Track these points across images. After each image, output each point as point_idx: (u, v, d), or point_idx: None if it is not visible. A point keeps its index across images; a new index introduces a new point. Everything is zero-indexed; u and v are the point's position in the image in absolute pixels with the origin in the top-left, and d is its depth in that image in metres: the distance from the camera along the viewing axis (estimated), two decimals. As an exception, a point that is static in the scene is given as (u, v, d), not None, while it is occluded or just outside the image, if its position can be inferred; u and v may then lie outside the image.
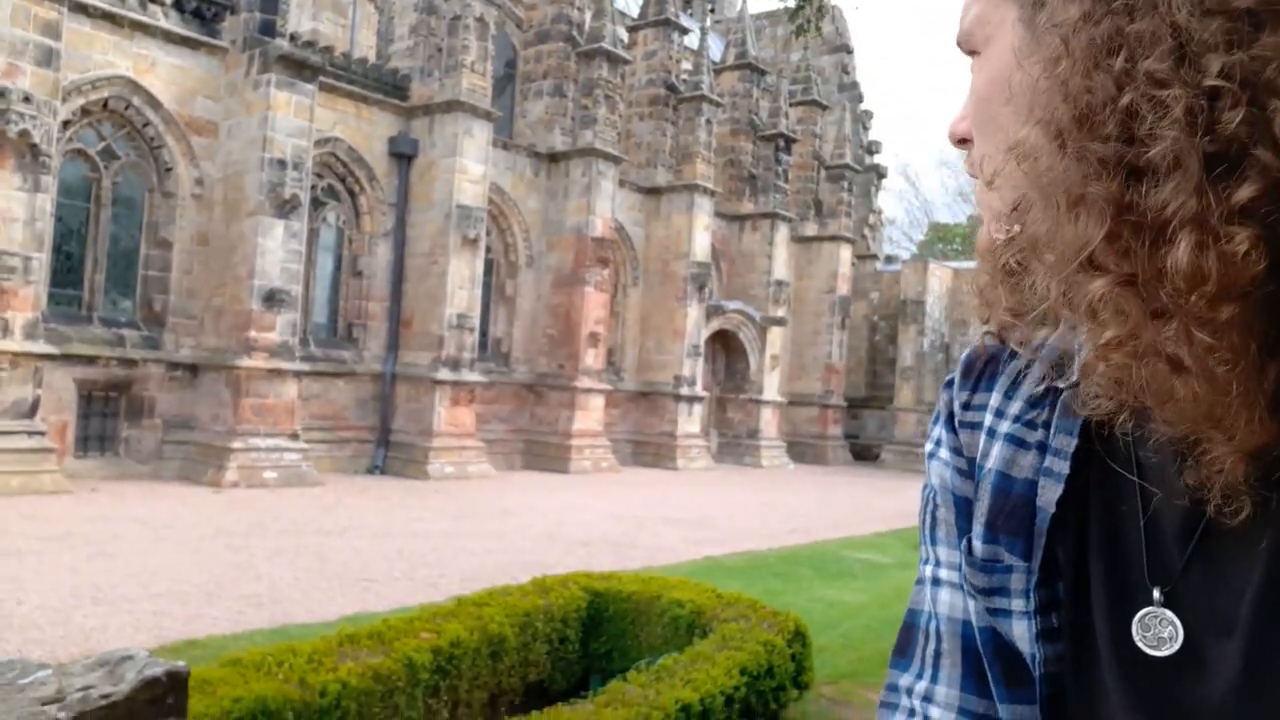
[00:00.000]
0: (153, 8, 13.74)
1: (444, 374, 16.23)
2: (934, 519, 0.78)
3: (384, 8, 19.41)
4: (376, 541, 9.74)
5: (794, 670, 4.93)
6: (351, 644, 4.30)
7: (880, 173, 32.15)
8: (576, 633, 5.35)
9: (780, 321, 24.61)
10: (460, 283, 16.58)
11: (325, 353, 16.20)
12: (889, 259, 32.64)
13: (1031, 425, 0.71)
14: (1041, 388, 0.72)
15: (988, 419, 0.74)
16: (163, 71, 13.73)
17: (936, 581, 0.77)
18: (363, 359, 16.71)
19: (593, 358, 19.28)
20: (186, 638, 5.82)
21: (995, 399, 0.75)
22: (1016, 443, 0.71)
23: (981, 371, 0.78)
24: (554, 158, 19.64)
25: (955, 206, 48.03)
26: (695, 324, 21.76)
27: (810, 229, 27.25)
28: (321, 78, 14.70)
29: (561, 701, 5.22)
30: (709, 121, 22.57)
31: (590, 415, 19.15)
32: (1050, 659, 0.67)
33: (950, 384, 0.80)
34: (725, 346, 24.09)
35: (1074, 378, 0.68)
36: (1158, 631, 0.60)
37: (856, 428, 28.76)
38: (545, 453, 18.84)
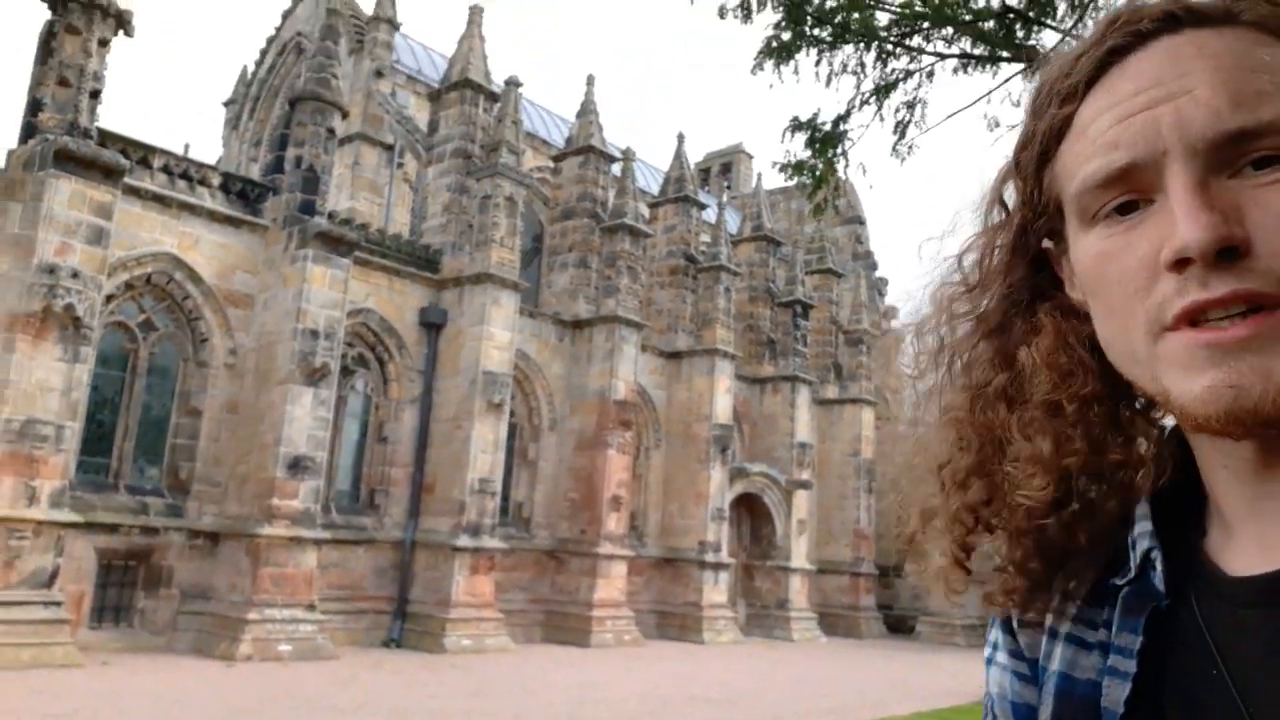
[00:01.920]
0: (201, 190, 14.54)
1: (464, 540, 15.96)
2: None
3: (418, 188, 20.46)
4: (392, 720, 9.26)
5: None
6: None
7: (899, 338, 32.53)
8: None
9: (805, 484, 24.28)
10: (484, 447, 16.58)
11: (346, 520, 16.03)
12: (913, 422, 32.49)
13: (1092, 624, 0.72)
14: (1095, 585, 0.72)
15: (1048, 619, 0.74)
16: (205, 248, 14.36)
17: None
18: (383, 526, 16.50)
19: (615, 522, 18.97)
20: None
21: (1054, 599, 0.75)
22: (1077, 643, 0.72)
23: None
24: (578, 324, 20.08)
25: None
26: (719, 487, 21.49)
27: (831, 392, 27.36)
28: (356, 252, 15.32)
29: None
30: (728, 289, 23.16)
31: (613, 584, 18.63)
32: None
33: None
34: (750, 511, 23.68)
35: (1131, 574, 0.69)
36: None
37: (889, 597, 27.74)
38: (565, 624, 18.21)
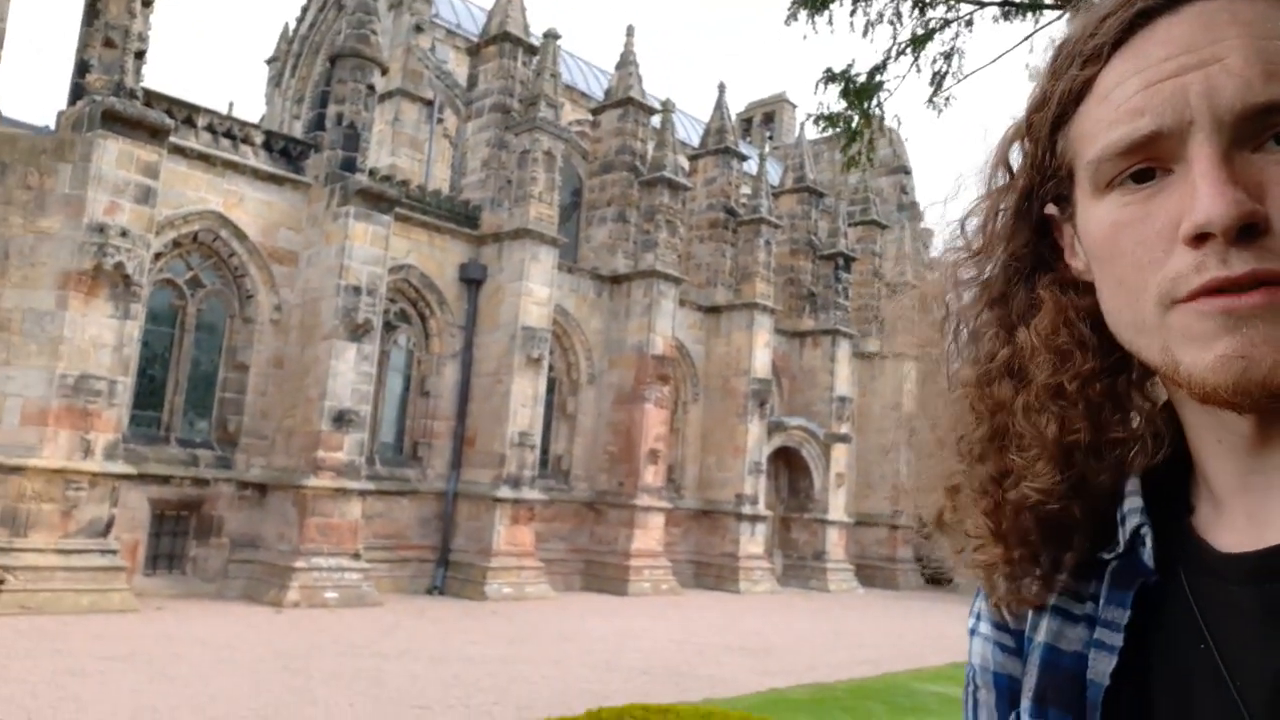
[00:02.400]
0: (244, 148, 14.74)
1: (504, 491, 16.28)
2: (975, 702, 0.77)
3: (458, 144, 20.49)
4: (433, 666, 9.59)
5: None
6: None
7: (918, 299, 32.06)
8: (634, 771, 5.12)
9: (845, 438, 24.25)
10: (523, 401, 16.81)
11: (390, 471, 16.42)
12: (954, 375, 32.16)
13: (1079, 597, 0.71)
14: (1083, 557, 0.72)
15: (1035, 591, 0.73)
16: (250, 206, 14.60)
17: None
18: (426, 477, 16.88)
19: (652, 474, 19.17)
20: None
21: (1043, 572, 0.74)
22: (1064, 615, 0.72)
23: None
24: (616, 279, 20.10)
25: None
26: (757, 441, 21.56)
27: (873, 345, 27.13)
28: (397, 209, 15.46)
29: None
30: (768, 242, 22.96)
31: (650, 534, 18.90)
32: None
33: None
34: (788, 464, 23.75)
35: (1120, 549, 0.70)
36: None
37: (927, 549, 27.75)
38: (604, 573, 18.55)
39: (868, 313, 27.41)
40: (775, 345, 23.06)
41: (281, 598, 13.05)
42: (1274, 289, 0.57)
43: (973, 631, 0.80)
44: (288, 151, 15.34)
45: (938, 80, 7.67)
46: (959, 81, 7.57)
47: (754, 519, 21.25)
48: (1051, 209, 0.73)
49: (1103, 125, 0.64)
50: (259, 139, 15.02)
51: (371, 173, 15.61)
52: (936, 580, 26.65)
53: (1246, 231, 0.56)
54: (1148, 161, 0.61)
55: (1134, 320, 0.63)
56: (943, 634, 15.42)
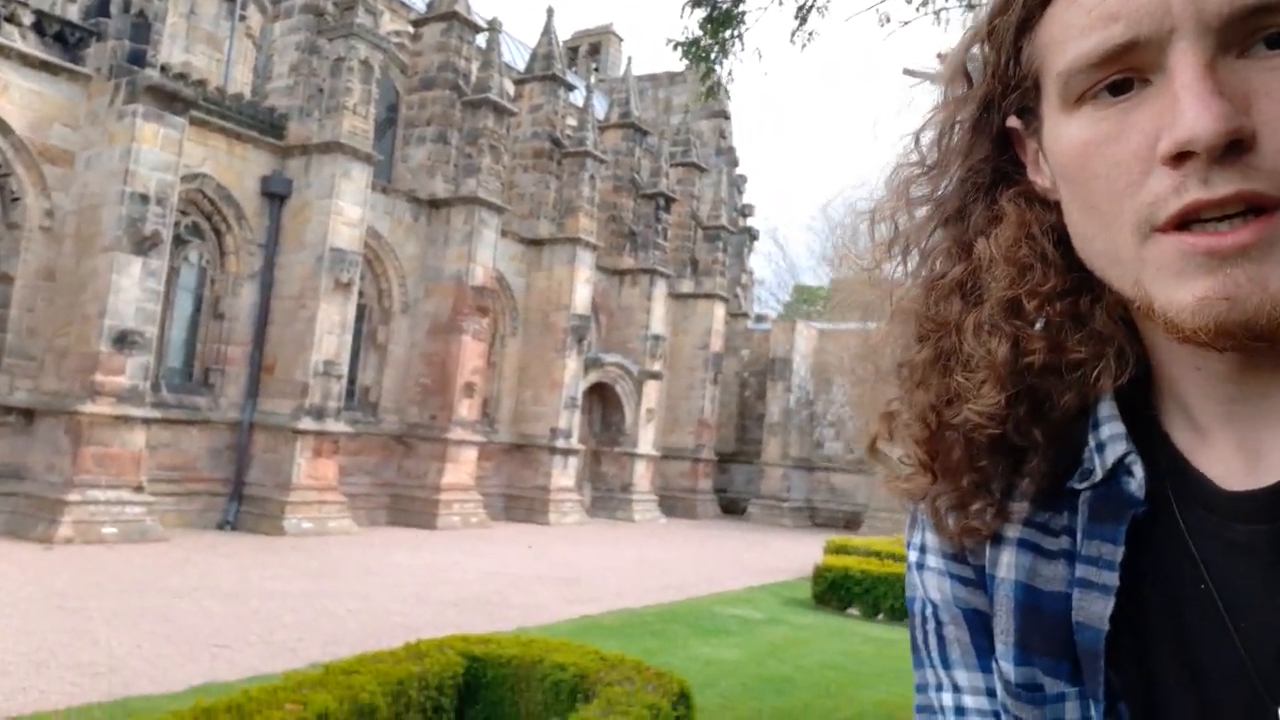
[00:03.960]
0: (9, 28, 12.89)
1: (307, 423, 15.53)
2: (941, 638, 0.71)
3: (263, 45, 18.86)
4: (229, 603, 9.11)
5: (677, 735, 4.85)
6: (208, 718, 3.96)
7: (753, 235, 33.28)
8: (452, 700, 5.11)
9: (657, 375, 24.86)
10: (330, 328, 16.00)
11: (179, 399, 15.25)
12: (759, 318, 33.62)
13: (1046, 529, 0.66)
14: (1046, 486, 0.66)
15: (990, 520, 0.68)
16: (16, 95, 12.84)
17: (961, 711, 0.70)
18: (219, 406, 15.81)
19: (467, 409, 18.90)
20: (8, 715, 5.23)
21: (997, 499, 0.69)
22: (1035, 550, 0.66)
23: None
24: (435, 204, 19.39)
25: (819, 270, 50.10)
26: (574, 376, 21.70)
27: (686, 286, 27.81)
28: (193, 111, 14.08)
29: (435, 775, 4.98)
30: (593, 177, 22.84)
31: (462, 468, 18.70)
32: None
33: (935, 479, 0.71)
34: (602, 399, 24.11)
35: (1098, 477, 0.64)
36: None
37: (725, 481, 29.19)
38: (411, 507, 18.22)
39: (683, 254, 28.02)
40: (596, 282, 23.15)
41: (52, 534, 11.92)
42: (1260, 221, 0.52)
43: (920, 566, 0.73)
44: (64, 37, 13.55)
45: (803, 15, 7.61)
46: (823, 16, 7.58)
47: (567, 453, 21.49)
48: (1014, 122, 0.67)
49: (1073, 32, 0.57)
50: (28, 19, 13.17)
51: (163, 69, 14.09)
52: (731, 509, 28.15)
53: (1231, 149, 0.51)
54: (1124, 72, 0.56)
55: (1106, 249, 0.59)
56: (739, 560, 16.34)
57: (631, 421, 24.24)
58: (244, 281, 16.10)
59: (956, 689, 0.70)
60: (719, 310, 27.89)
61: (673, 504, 26.08)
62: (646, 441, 24.53)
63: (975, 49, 0.68)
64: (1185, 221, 0.53)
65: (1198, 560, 0.59)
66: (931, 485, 0.70)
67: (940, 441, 0.69)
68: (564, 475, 21.48)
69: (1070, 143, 0.59)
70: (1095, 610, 0.61)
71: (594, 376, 22.93)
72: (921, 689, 0.73)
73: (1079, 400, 0.65)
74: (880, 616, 11.12)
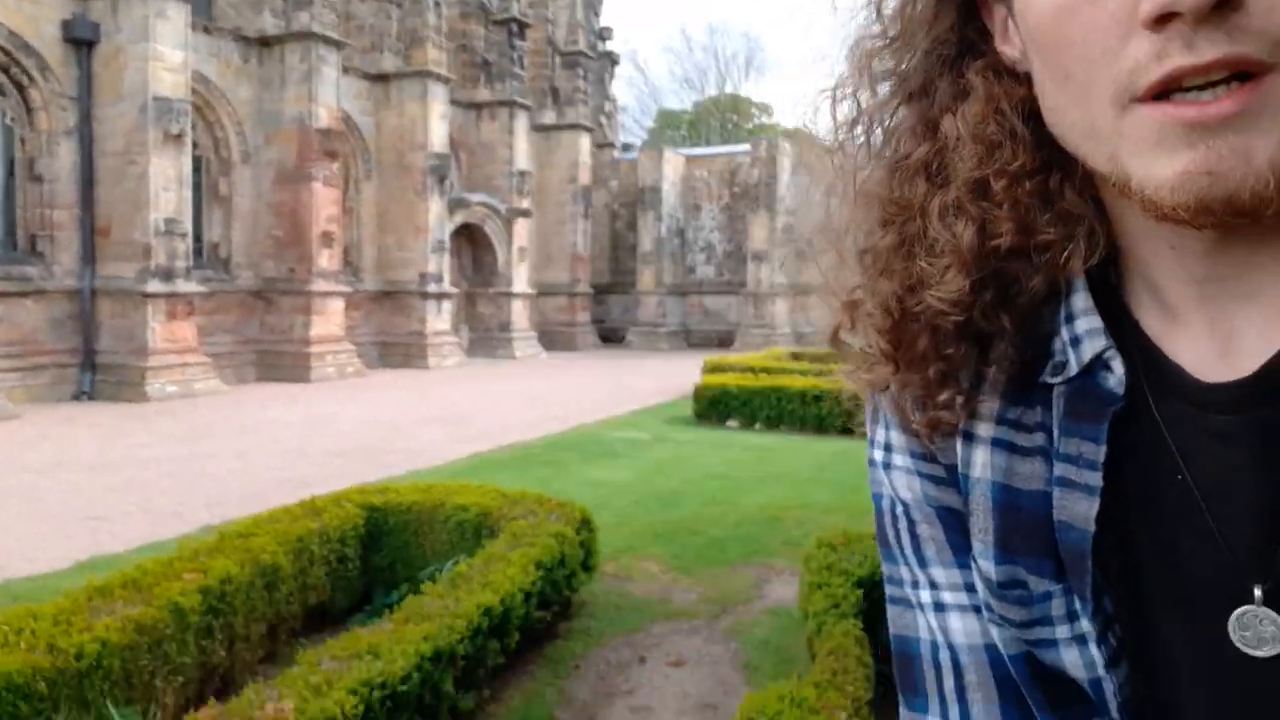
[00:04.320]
0: None
1: (155, 286, 14.55)
2: (915, 536, 0.70)
3: None
4: (98, 474, 8.74)
5: (583, 556, 5.06)
6: (104, 597, 3.86)
7: (613, 60, 32.14)
8: (356, 550, 5.14)
9: (525, 213, 24.34)
10: (165, 184, 14.75)
11: (5, 270, 13.96)
12: (626, 147, 33.06)
13: (1019, 426, 0.64)
14: (1015, 377, 0.64)
15: (959, 417, 0.66)
16: None
17: (941, 607, 0.69)
18: (53, 274, 14.58)
19: (327, 259, 18.10)
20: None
21: (963, 392, 0.66)
22: (1008, 448, 0.64)
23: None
24: (265, 42, 17.71)
25: (681, 93, 49.25)
26: (438, 219, 20.97)
27: (549, 117, 26.87)
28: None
29: (346, 619, 5.07)
30: (438, 3, 21.26)
31: (330, 320, 18.11)
32: (1121, 681, 0.62)
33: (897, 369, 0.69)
34: (471, 240, 23.52)
35: (1072, 371, 0.62)
36: (1258, 631, 0.55)
37: (603, 313, 29.49)
38: (281, 362, 17.64)
39: (542, 83, 26.87)
40: (452, 117, 22.02)
41: (-118, 424, 11.00)
42: (1245, 88, 0.48)
43: (885, 465, 0.72)
44: None
45: None
46: None
47: (440, 296, 21.06)
48: None
49: None
50: None
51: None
52: (610, 339, 28.62)
53: (1217, 8, 0.47)
54: None
55: (1080, 121, 0.55)
56: (621, 385, 16.75)
57: (504, 261, 23.85)
58: (59, 139, 14.52)
59: (934, 585, 0.70)
60: (584, 141, 27.21)
61: (553, 338, 26.24)
62: (521, 280, 24.28)
63: None
64: (1166, 90, 0.50)
65: (1174, 452, 0.58)
66: (894, 375, 0.68)
67: (904, 330, 0.66)
68: (439, 319, 21.14)
69: (1043, 6, 0.54)
70: (1079, 511, 0.60)
71: (460, 218, 22.24)
72: (895, 583, 0.73)
73: (1047, 283, 0.63)
74: (758, 426, 11.73)
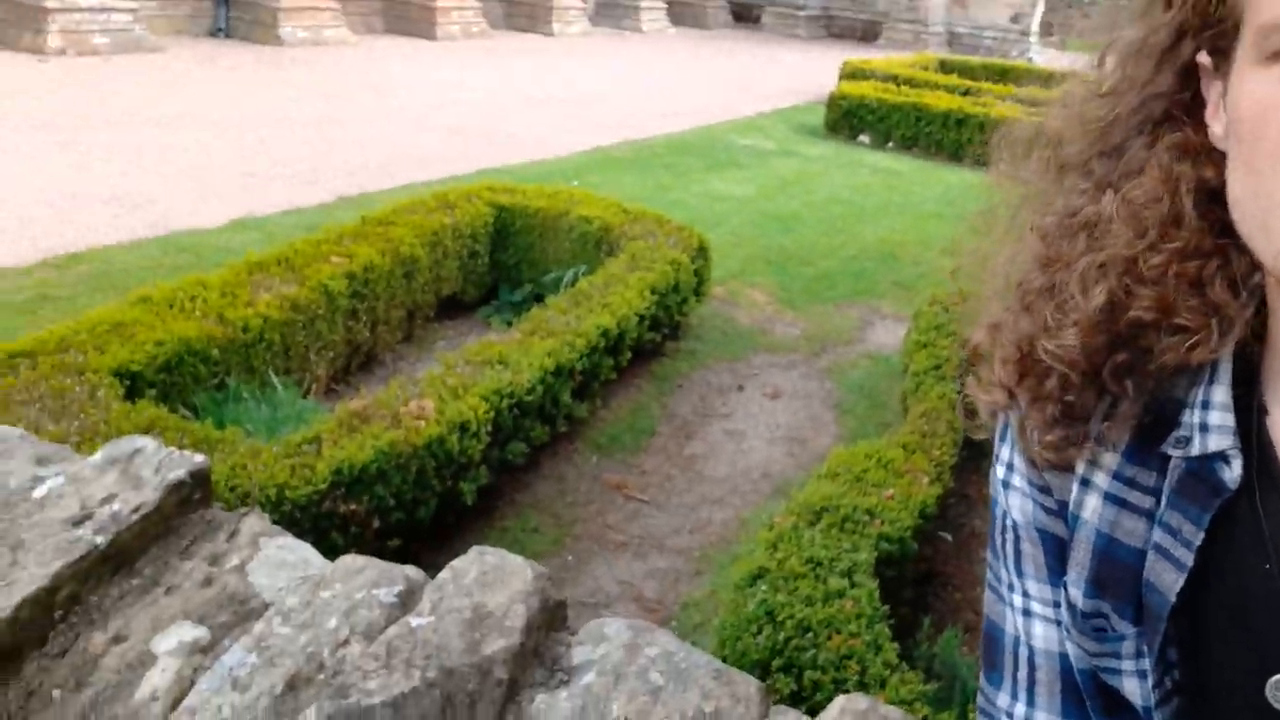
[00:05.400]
0: None
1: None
2: (1018, 551, 0.77)
3: None
4: (245, 128, 9.04)
5: (696, 283, 5.23)
6: (262, 272, 4.24)
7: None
8: (485, 247, 5.41)
9: None
10: None
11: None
12: None
13: (1133, 485, 0.69)
14: (1136, 439, 0.69)
15: (1080, 467, 0.71)
16: None
17: (1028, 613, 0.77)
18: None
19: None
20: (68, 251, 5.55)
21: (1089, 441, 0.71)
22: (1119, 504, 0.69)
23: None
24: None
25: None
26: None
27: None
28: None
29: (474, 310, 5.48)
30: None
31: (457, -30, 17.30)
32: (1168, 716, 0.69)
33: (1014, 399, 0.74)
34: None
35: (1194, 451, 0.65)
36: None
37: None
38: (408, 14, 17.20)
39: None
40: None
41: (42, 43, 11.43)
42: None
43: (1005, 483, 0.78)
44: None
45: None
46: None
47: (568, -47, 19.69)
48: (1204, 58, 0.64)
49: None
50: None
51: None
52: (743, 18, 26.68)
53: None
54: None
55: (1257, 214, 0.57)
56: (751, 80, 15.94)
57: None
58: None
59: (1026, 594, 0.77)
60: None
61: (681, 12, 24.61)
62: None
63: None
64: None
65: (1267, 542, 0.62)
66: (1012, 404, 0.73)
67: (1032, 368, 0.70)
68: (566, -20, 19.95)
69: (1251, 99, 0.57)
70: (1167, 579, 0.66)
71: None
72: (995, 580, 0.81)
73: (1177, 361, 0.65)
74: (890, 145, 11.20)
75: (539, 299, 4.74)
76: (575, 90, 13.15)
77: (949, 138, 10.75)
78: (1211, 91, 0.64)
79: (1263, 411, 0.64)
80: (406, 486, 3.01)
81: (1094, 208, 0.68)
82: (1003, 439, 0.78)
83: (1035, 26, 24.24)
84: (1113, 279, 0.65)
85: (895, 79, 12.40)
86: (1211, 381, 0.66)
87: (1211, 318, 0.64)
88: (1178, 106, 0.66)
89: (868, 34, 24.93)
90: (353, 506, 2.79)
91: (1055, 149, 0.73)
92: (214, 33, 14.50)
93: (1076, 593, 0.72)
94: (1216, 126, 0.63)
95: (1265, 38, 0.56)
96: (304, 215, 6.56)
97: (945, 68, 14.61)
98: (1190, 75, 0.66)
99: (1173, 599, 0.65)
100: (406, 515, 3.05)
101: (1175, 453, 0.66)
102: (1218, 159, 0.63)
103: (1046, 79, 12.80)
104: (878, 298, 6.23)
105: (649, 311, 4.61)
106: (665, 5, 23.61)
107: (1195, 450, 0.65)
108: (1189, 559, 0.64)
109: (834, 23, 26.35)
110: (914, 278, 6.60)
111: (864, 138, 11.42)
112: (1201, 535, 0.64)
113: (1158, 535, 0.67)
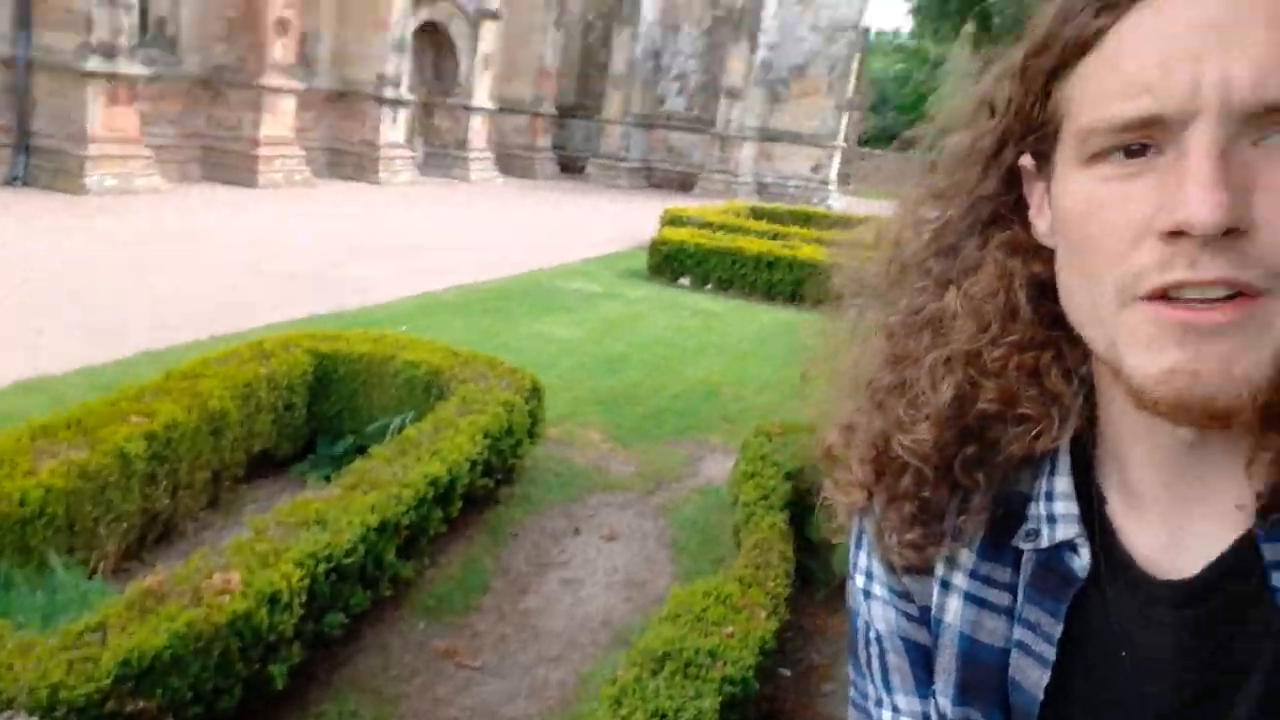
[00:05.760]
0: None
1: (96, 63, 13.61)
2: (884, 665, 0.76)
3: None
4: (36, 281, 8.45)
5: (530, 424, 5.17)
6: (47, 437, 3.86)
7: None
8: (303, 399, 5.17)
9: (495, 15, 22.90)
10: (106, -53, 13.53)
11: (-75, 29, 12.89)
12: (605, -43, 31.01)
13: (990, 583, 0.69)
14: (990, 534, 0.70)
15: (940, 568, 0.71)
16: None
17: None
18: (-19, 38, 13.52)
19: (281, 50, 17.02)
20: None
21: (945, 541, 0.71)
22: (978, 603, 0.70)
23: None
24: None
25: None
26: (402, 13, 19.70)
27: (525, -84, 24.94)
28: None
29: (289, 467, 5.17)
30: None
31: (280, 120, 17.26)
32: None
33: (871, 500, 0.74)
34: (434, 44, 22.27)
35: (1043, 544, 0.66)
36: None
37: (564, 138, 28.59)
38: (226, 161, 16.92)
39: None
40: (420, -94, 20.30)
41: None
42: (1237, 304, 0.54)
43: (867, 593, 0.77)
44: None
45: None
46: None
47: (396, 103, 20.13)
48: (1027, 161, 0.67)
49: (1103, 95, 0.58)
50: None
51: None
52: (569, 168, 27.90)
53: (1225, 235, 0.53)
54: (1141, 139, 0.56)
55: (1087, 305, 0.60)
56: (577, 226, 16.53)
57: (467, 70, 22.72)
58: (-20, -120, 13.08)
59: (896, 710, 0.76)
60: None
61: (510, 163, 25.47)
62: (483, 93, 23.25)
63: (1004, 82, 0.67)
64: (1166, 293, 0.55)
65: (1119, 632, 0.64)
66: (870, 504, 0.74)
67: (888, 465, 0.72)
68: (393, 130, 20.30)
69: (1075, 199, 0.60)
70: (1031, 677, 0.66)
71: (424, 14, 20.93)
72: (860, 698, 0.80)
73: (1022, 452, 0.68)
74: (709, 286, 11.79)
75: (361, 450, 4.53)
76: (406, 237, 13.18)
77: (762, 278, 11.46)
78: (1034, 193, 0.67)
79: (1101, 499, 0.66)
80: (207, 674, 2.71)
81: (937, 304, 0.70)
82: (859, 546, 0.78)
83: (833, 176, 26.66)
84: (959, 372, 0.68)
85: (711, 225, 13.24)
86: (1053, 472, 0.68)
87: (1051, 407, 0.66)
88: (1005, 207, 0.70)
89: (685, 184, 26.59)
90: (142, 704, 2.47)
91: (896, 249, 0.76)
92: (10, 181, 13.67)
93: (945, 702, 0.71)
94: (1041, 224, 0.67)
95: (1084, 141, 0.59)
96: (101, 374, 6.09)
97: (756, 214, 15.78)
98: (1014, 178, 0.69)
99: (1040, 695, 0.66)
100: (205, 709, 2.73)
101: (1026, 546, 0.67)
102: (1046, 255, 0.66)
103: (845, 222, 14.13)
104: (705, 431, 6.38)
105: (482, 456, 4.50)
106: (493, 155, 24.36)
107: (1044, 542, 0.66)
108: (1051, 653, 0.65)
109: (654, 173, 27.96)
110: (737, 412, 6.82)
111: (684, 280, 11.97)
112: (1060, 627, 0.65)
113: (1019, 632, 0.67)
